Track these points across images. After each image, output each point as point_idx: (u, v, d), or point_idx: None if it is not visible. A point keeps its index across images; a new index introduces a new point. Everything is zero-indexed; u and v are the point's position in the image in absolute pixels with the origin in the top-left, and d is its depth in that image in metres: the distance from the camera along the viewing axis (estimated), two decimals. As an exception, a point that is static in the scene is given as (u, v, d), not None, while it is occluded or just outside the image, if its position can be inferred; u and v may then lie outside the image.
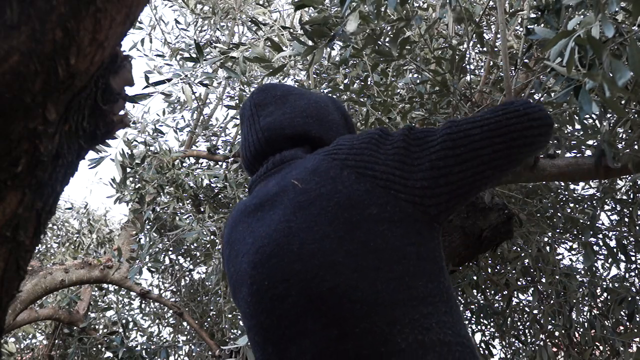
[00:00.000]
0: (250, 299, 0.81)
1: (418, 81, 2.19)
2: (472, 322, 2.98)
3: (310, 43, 1.74)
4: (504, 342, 3.02)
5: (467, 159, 0.76)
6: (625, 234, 2.54)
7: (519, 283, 2.79)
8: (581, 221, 2.48)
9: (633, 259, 2.63)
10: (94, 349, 4.04)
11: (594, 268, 2.69)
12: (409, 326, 0.70)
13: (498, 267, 2.87)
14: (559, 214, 2.58)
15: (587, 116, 2.21)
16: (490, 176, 0.78)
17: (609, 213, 2.66)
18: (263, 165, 0.94)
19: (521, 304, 2.95)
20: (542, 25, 1.70)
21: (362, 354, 0.69)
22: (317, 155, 0.84)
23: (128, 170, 3.14)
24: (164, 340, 3.92)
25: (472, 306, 2.97)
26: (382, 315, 0.70)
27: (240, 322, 3.71)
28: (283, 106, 0.96)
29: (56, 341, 4.32)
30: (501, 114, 0.78)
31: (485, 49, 2.26)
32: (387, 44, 2.05)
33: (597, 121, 2.07)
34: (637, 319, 2.33)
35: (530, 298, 2.90)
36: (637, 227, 2.46)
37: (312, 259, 0.75)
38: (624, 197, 2.66)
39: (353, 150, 0.81)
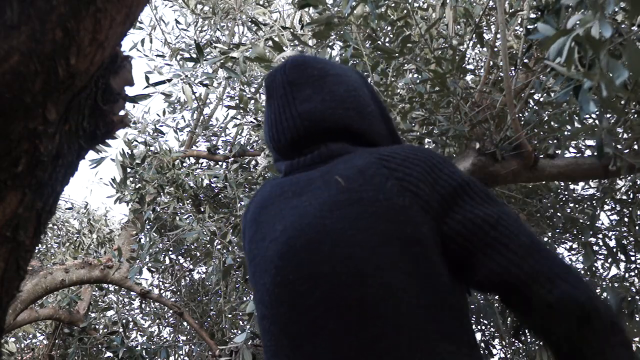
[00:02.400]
0: (272, 288, 0.79)
1: (418, 81, 2.19)
2: (472, 322, 2.98)
3: (311, 43, 1.74)
4: (504, 342, 3.02)
5: (499, 252, 0.76)
6: (625, 234, 2.54)
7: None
8: (581, 221, 2.48)
9: (633, 259, 2.63)
10: (94, 348, 4.04)
11: (594, 268, 2.69)
12: (429, 357, 0.69)
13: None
14: (558, 214, 2.58)
15: (587, 116, 2.21)
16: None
17: (608, 213, 2.66)
18: (305, 153, 0.90)
19: (521, 304, 2.95)
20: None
21: None
22: (369, 156, 0.82)
23: (128, 170, 3.14)
24: (164, 340, 3.92)
25: (472, 306, 2.97)
26: (405, 339, 0.69)
27: (240, 322, 3.71)
28: (321, 91, 0.91)
29: (56, 341, 4.33)
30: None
31: (485, 48, 2.26)
32: (387, 44, 2.05)
33: (597, 121, 2.07)
34: (637, 319, 2.33)
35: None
36: (637, 227, 2.46)
37: (342, 265, 0.73)
38: (624, 197, 2.66)
39: (406, 163, 0.79)
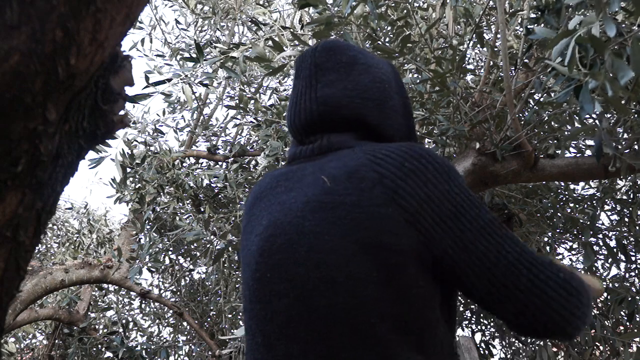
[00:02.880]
0: (251, 284, 0.80)
1: (418, 81, 2.19)
2: (472, 322, 2.98)
3: (311, 43, 1.74)
4: (504, 342, 3.02)
5: (498, 288, 0.73)
6: (625, 234, 2.54)
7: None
8: (581, 221, 2.48)
9: (633, 259, 2.63)
10: (94, 349, 4.04)
11: (594, 268, 2.69)
12: None
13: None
14: (559, 214, 2.58)
15: (587, 116, 2.21)
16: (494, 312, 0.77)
17: (609, 213, 2.66)
18: (310, 141, 0.89)
19: (521, 304, 2.95)
20: (542, 25, 1.70)
21: None
22: (362, 156, 0.78)
23: (128, 170, 3.14)
24: (164, 340, 3.92)
25: (472, 306, 2.97)
26: (372, 349, 0.69)
27: (240, 322, 3.71)
28: (346, 78, 0.89)
29: (56, 341, 4.33)
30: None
31: (485, 48, 2.26)
32: (387, 44, 2.05)
33: (597, 121, 2.07)
34: (637, 319, 2.33)
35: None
36: (637, 227, 2.46)
37: (315, 270, 0.72)
38: (624, 197, 2.66)
39: (399, 172, 0.74)
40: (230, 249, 2.54)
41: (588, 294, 0.73)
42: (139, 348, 3.47)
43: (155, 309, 4.04)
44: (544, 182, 2.53)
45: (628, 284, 2.66)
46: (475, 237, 0.73)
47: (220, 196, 3.47)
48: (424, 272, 0.73)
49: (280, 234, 0.77)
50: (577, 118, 2.17)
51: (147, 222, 3.42)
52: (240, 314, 3.57)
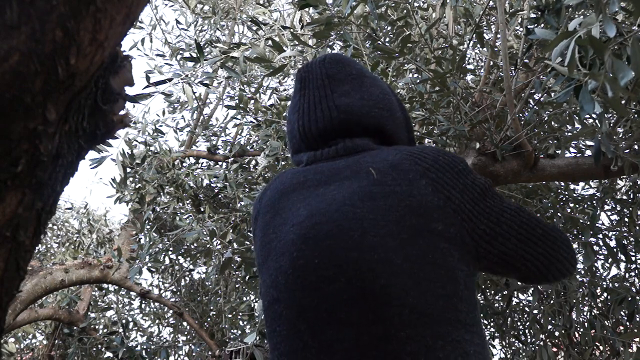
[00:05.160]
0: (291, 271, 0.79)
1: (418, 81, 2.19)
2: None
3: (311, 43, 1.74)
4: (504, 342, 3.02)
5: (523, 243, 0.84)
6: (625, 234, 2.54)
7: (518, 283, 2.79)
8: (581, 221, 2.48)
9: (633, 259, 2.63)
10: (94, 349, 4.04)
11: (594, 268, 2.69)
12: (451, 345, 0.72)
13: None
14: (559, 214, 2.58)
15: (587, 116, 2.21)
16: (522, 268, 0.86)
17: (609, 213, 2.66)
18: (329, 145, 0.93)
19: (521, 304, 2.96)
20: (542, 25, 1.70)
21: (403, 358, 0.70)
22: (399, 153, 0.85)
23: (128, 170, 3.14)
24: (164, 340, 3.92)
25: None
26: (428, 327, 0.72)
27: (240, 322, 3.71)
28: (360, 90, 0.95)
29: (56, 341, 4.33)
30: (557, 237, 0.88)
31: (485, 48, 2.26)
32: (387, 43, 2.05)
33: (597, 121, 2.07)
34: (637, 319, 2.33)
35: (530, 298, 2.90)
36: (637, 227, 2.47)
37: (371, 252, 0.75)
38: (624, 197, 2.66)
39: (437, 165, 0.83)
40: (237, 258, 2.54)
41: (570, 242, 0.89)
42: (139, 348, 3.47)
43: (155, 309, 4.04)
44: (544, 182, 2.53)
45: (628, 284, 2.66)
46: (501, 211, 0.84)
47: (220, 196, 3.47)
48: (465, 257, 0.80)
49: (326, 222, 0.80)
50: (577, 118, 2.17)
51: (147, 222, 3.42)
52: (241, 314, 3.57)
